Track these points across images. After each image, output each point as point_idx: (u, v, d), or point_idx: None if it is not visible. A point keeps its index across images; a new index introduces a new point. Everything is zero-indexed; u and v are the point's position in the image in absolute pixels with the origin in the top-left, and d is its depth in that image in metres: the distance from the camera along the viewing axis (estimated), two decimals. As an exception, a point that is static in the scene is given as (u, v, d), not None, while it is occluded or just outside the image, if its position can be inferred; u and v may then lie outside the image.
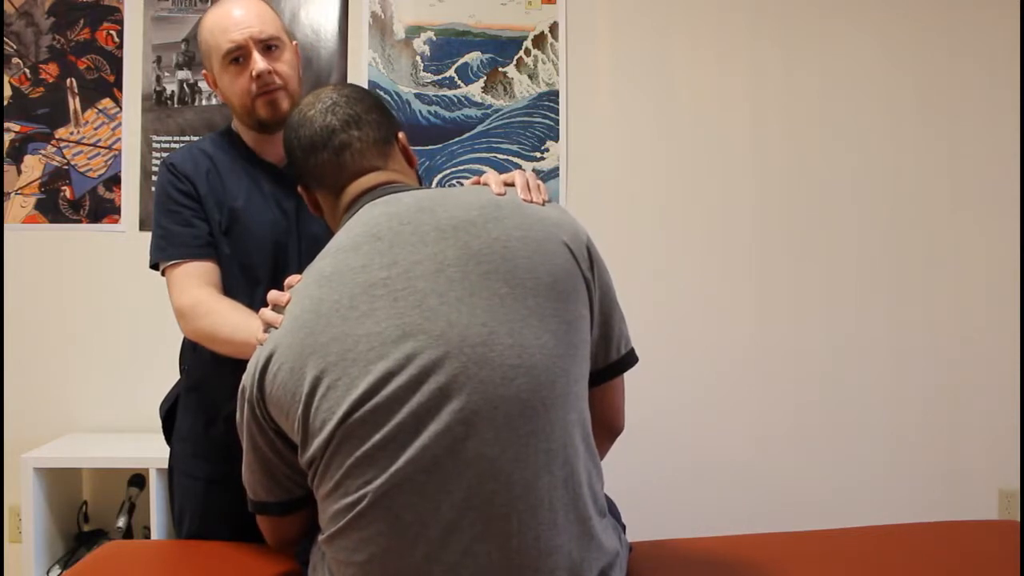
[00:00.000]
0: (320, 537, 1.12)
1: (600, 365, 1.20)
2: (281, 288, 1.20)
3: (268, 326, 1.16)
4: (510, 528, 1.02)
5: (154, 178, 2.63)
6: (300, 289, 1.15)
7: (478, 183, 1.26)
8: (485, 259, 1.08)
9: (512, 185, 1.22)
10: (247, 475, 1.22)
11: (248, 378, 1.14)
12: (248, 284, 1.56)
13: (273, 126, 1.56)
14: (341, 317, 1.07)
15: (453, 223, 1.11)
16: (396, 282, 1.08)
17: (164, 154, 2.68)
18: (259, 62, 1.50)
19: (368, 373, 1.04)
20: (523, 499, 1.03)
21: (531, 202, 1.18)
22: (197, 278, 1.53)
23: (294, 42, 1.61)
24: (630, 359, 1.24)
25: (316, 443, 1.06)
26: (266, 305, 1.20)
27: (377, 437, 1.02)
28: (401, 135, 1.30)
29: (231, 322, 1.42)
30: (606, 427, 1.25)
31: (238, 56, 1.52)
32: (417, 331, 1.05)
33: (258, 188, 1.59)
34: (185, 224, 1.55)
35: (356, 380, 1.04)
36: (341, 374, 1.05)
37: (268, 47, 1.53)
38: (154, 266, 1.60)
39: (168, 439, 1.72)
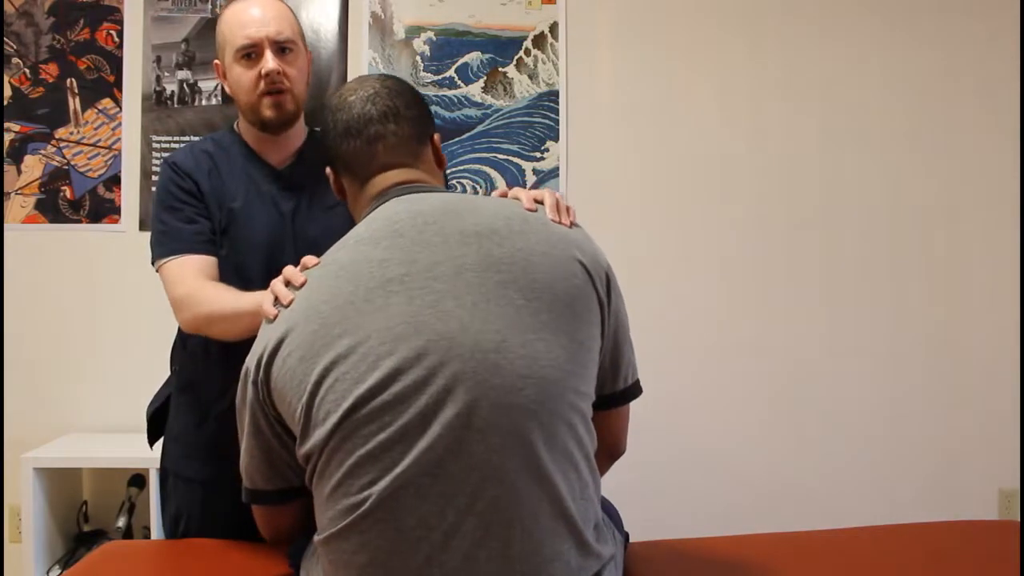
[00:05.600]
0: (317, 538, 1.11)
1: (605, 392, 1.20)
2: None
3: (277, 302, 1.15)
4: (512, 535, 1.02)
5: (155, 178, 2.65)
6: (316, 276, 1.14)
7: (506, 195, 1.25)
8: (504, 268, 1.08)
9: (541, 203, 1.21)
10: (245, 460, 1.20)
11: (254, 359, 1.13)
12: (241, 285, 1.54)
13: (275, 127, 1.56)
14: (355, 310, 1.07)
15: (478, 229, 1.11)
16: (414, 280, 1.08)
17: (164, 154, 2.68)
18: (270, 61, 1.51)
19: (377, 368, 1.03)
20: (526, 506, 1.02)
21: (559, 223, 1.18)
22: (194, 270, 1.51)
23: (309, 53, 1.62)
24: (635, 390, 1.25)
25: (318, 435, 1.05)
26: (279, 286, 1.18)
27: (383, 436, 1.02)
28: (436, 136, 1.29)
29: (230, 298, 1.41)
30: (607, 450, 1.25)
31: (251, 52, 1.52)
32: (429, 331, 1.04)
33: (256, 189, 1.59)
34: (187, 220, 1.55)
35: (364, 374, 1.03)
36: (350, 367, 1.04)
37: (282, 49, 1.53)
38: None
39: (151, 442, 1.70)
